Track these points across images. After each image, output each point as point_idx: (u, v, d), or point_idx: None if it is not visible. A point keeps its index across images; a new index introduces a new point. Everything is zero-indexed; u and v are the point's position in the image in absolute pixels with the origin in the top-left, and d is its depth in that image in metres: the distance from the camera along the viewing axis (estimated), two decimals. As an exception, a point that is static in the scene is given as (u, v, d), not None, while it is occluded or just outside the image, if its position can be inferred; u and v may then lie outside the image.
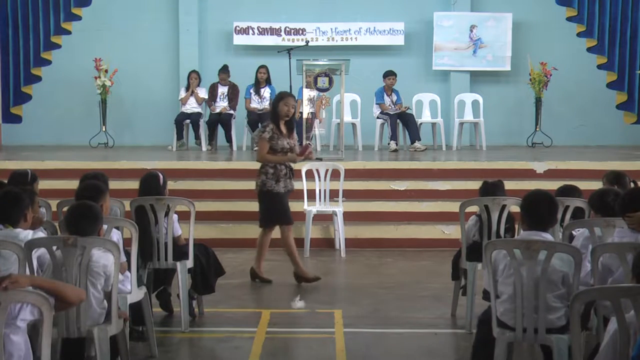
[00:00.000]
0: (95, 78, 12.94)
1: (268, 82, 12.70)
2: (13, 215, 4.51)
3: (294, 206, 9.22)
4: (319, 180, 8.79)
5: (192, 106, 12.71)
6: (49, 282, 3.51)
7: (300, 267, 7.38)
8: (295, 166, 9.71)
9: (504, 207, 5.85)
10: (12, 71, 13.96)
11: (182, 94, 12.82)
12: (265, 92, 12.67)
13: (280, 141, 7.23)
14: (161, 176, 6.12)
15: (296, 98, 7.60)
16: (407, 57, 14.03)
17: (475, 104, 13.23)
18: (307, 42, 13.01)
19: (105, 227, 4.78)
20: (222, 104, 12.71)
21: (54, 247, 4.35)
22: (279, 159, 7.24)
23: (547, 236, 4.35)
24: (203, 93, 12.75)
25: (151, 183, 6.06)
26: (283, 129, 7.30)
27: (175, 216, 5.98)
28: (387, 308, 6.61)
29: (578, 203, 5.67)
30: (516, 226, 5.90)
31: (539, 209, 4.37)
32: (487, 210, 5.86)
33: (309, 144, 7.60)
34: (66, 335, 4.36)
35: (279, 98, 7.39)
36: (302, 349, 5.56)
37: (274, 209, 7.28)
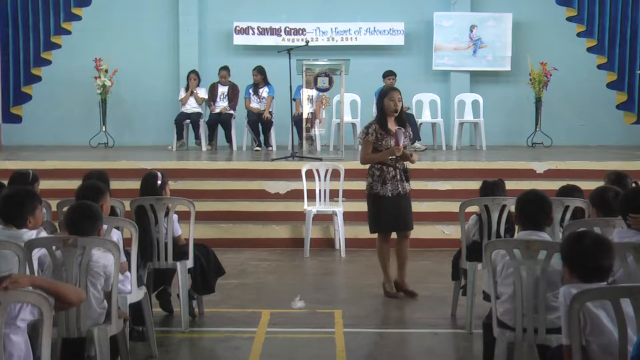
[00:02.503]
0: (95, 78, 12.95)
1: (266, 81, 12.71)
2: (17, 216, 4.49)
3: (294, 206, 9.29)
4: (319, 180, 8.79)
5: (192, 106, 12.71)
6: (49, 282, 3.51)
7: (387, 278, 6.86)
8: (295, 166, 9.79)
9: (504, 207, 5.85)
10: (12, 71, 13.96)
11: (182, 94, 12.82)
12: (264, 92, 12.67)
13: (386, 141, 6.67)
14: (160, 176, 6.11)
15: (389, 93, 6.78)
16: (407, 57, 14.04)
17: (475, 104, 13.23)
18: (307, 42, 13.00)
19: (105, 227, 4.77)
20: (222, 104, 12.71)
21: (54, 247, 4.35)
22: (375, 156, 6.72)
23: (544, 235, 4.37)
24: (203, 93, 12.75)
25: (149, 183, 6.07)
26: (392, 127, 6.71)
27: (175, 216, 5.98)
28: (387, 308, 6.61)
29: (578, 203, 5.67)
30: (516, 226, 5.90)
31: (533, 210, 4.39)
32: (487, 210, 5.86)
33: (399, 128, 6.64)
34: (66, 335, 4.36)
35: (383, 94, 6.81)
36: (302, 349, 5.55)
37: (380, 212, 6.77)
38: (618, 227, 4.57)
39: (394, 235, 6.93)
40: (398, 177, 6.74)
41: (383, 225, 6.82)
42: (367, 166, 6.88)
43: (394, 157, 6.66)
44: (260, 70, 12.66)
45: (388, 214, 6.74)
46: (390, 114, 6.73)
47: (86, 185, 5.22)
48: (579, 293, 3.31)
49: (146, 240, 5.81)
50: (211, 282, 6.18)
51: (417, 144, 12.35)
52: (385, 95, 6.76)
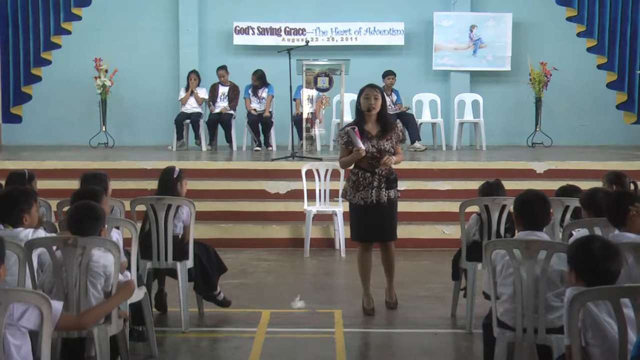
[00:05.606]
0: (95, 78, 12.94)
1: (265, 84, 12.69)
2: (13, 216, 4.50)
3: (294, 206, 9.29)
4: (319, 180, 8.79)
5: (192, 106, 12.71)
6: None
7: (365, 292, 6.38)
8: (295, 166, 9.79)
9: (504, 207, 5.84)
10: (12, 71, 13.96)
11: (182, 94, 12.83)
12: (263, 92, 12.67)
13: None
14: (177, 170, 6.19)
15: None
16: (407, 57, 14.03)
17: (475, 104, 13.23)
18: (307, 42, 12.99)
19: (105, 227, 4.77)
20: (222, 104, 12.71)
21: (54, 247, 4.34)
22: (346, 159, 6.21)
23: (543, 235, 4.37)
24: (203, 93, 12.75)
25: (164, 176, 6.21)
26: (373, 128, 6.16)
27: (186, 209, 5.97)
28: (387, 308, 6.60)
29: (578, 203, 5.66)
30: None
31: (532, 210, 4.39)
32: (487, 210, 5.85)
33: (352, 128, 6.05)
34: (66, 335, 4.35)
35: (359, 94, 6.23)
36: (302, 349, 5.56)
37: (354, 221, 6.31)
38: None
39: None
40: (375, 184, 6.15)
41: (358, 233, 6.35)
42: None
43: (365, 160, 6.10)
44: (259, 77, 12.62)
45: (362, 223, 6.25)
46: (367, 114, 6.15)
47: (82, 192, 5.15)
48: (579, 293, 3.30)
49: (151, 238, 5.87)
50: (213, 281, 6.18)
51: (417, 144, 12.35)
52: (360, 94, 6.20)
